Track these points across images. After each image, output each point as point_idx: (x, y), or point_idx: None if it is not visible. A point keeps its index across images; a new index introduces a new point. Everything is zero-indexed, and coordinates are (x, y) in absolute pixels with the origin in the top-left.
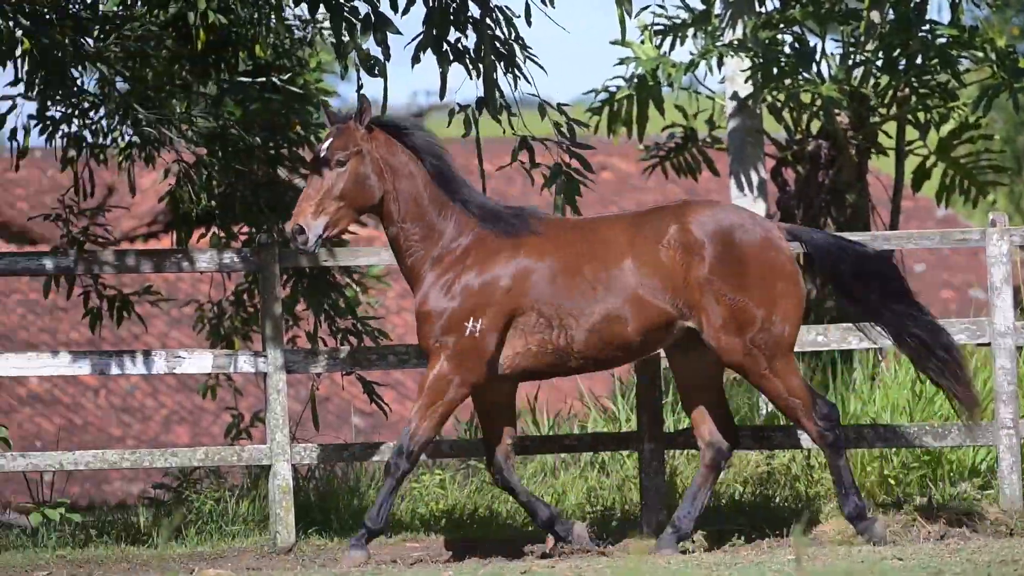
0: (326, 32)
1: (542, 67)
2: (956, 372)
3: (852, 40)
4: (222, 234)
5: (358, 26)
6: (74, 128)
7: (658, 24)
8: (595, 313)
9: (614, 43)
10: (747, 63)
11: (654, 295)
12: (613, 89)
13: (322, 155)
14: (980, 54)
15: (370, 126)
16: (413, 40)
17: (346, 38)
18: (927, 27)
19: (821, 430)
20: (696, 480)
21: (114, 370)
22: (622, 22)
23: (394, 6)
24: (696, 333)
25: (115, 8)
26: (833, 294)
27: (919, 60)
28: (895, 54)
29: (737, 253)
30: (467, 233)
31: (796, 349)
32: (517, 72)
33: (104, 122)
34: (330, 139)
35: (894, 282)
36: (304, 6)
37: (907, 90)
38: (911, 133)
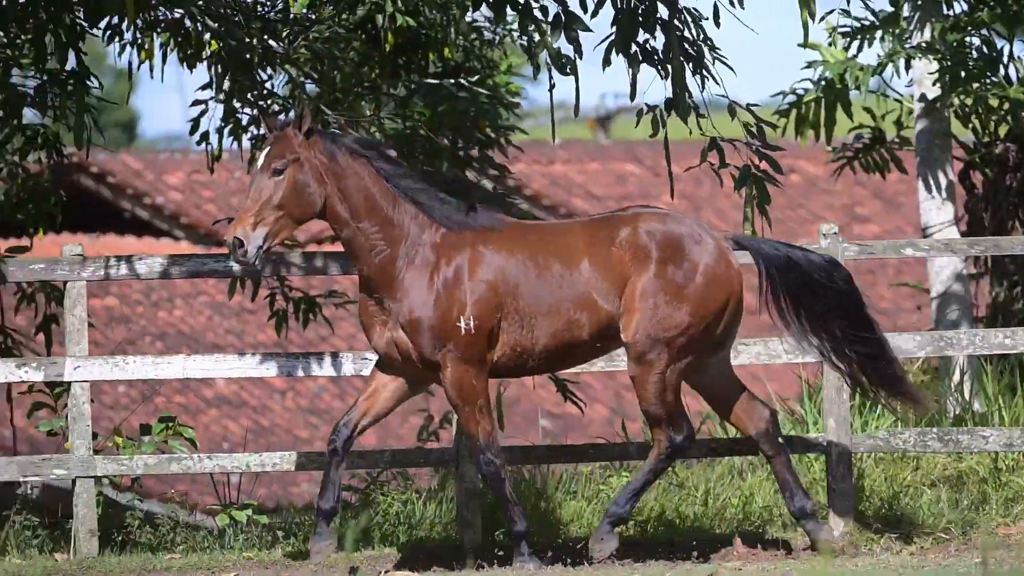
0: (516, 34)
1: (731, 68)
2: (900, 386)
3: None
4: None
5: (547, 25)
6: (262, 130)
7: (845, 27)
8: (559, 314)
9: (801, 46)
10: (935, 66)
11: (604, 299)
12: (801, 92)
13: (259, 164)
14: None
15: (309, 132)
16: (602, 42)
17: (536, 37)
18: None
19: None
20: (777, 472)
21: (300, 372)
22: (805, 25)
23: (583, 6)
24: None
25: (303, 10)
26: (773, 305)
27: None
28: None
29: (681, 261)
30: (429, 230)
31: (984, 352)
32: (705, 73)
33: None
34: (267, 147)
35: (845, 293)
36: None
37: None
38: None
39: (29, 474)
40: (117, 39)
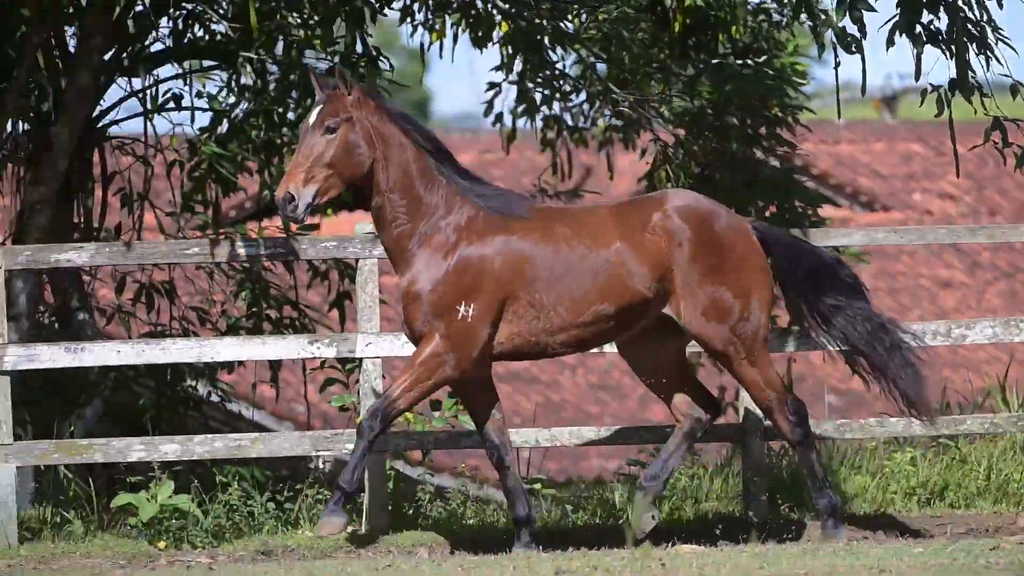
0: (803, 16)
1: (1014, 48)
2: (910, 374)
3: None
4: None
5: (831, 5)
6: (555, 110)
7: None
8: (584, 301)
9: None
10: None
11: (639, 283)
12: None
13: (311, 121)
14: None
15: (360, 95)
16: (887, 23)
17: (822, 17)
18: None
19: (792, 425)
20: (670, 444)
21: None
22: None
23: None
24: (660, 320)
25: None
26: (784, 293)
27: None
28: None
29: (717, 241)
30: (457, 211)
31: None
32: (989, 53)
33: (585, 105)
34: (320, 106)
35: (851, 288)
36: None
37: None
38: None
39: (321, 449)
40: (409, 19)
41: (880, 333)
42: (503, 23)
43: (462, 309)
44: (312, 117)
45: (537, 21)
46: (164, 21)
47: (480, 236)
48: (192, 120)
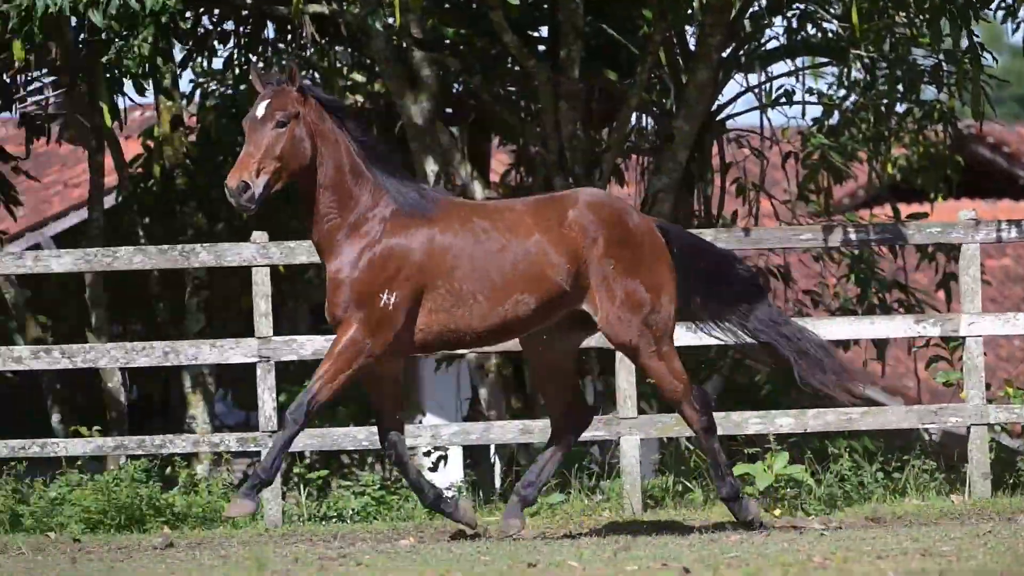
0: None
1: None
2: (831, 366)
3: None
4: None
5: None
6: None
7: None
8: (504, 289)
9: None
10: None
11: (558, 275)
12: None
13: (260, 114)
14: None
15: (302, 91)
16: None
17: None
18: None
19: (698, 414)
20: (546, 453)
21: None
22: None
23: None
24: (567, 321)
25: None
26: (683, 291)
27: None
28: None
29: (629, 238)
30: (382, 204)
31: None
32: None
33: None
34: (267, 100)
35: (749, 282)
36: None
37: None
38: None
39: (927, 421)
40: (1011, 18)
41: (779, 322)
42: None
43: (384, 296)
44: (260, 110)
45: None
46: (778, 20)
47: (404, 228)
48: (803, 113)
